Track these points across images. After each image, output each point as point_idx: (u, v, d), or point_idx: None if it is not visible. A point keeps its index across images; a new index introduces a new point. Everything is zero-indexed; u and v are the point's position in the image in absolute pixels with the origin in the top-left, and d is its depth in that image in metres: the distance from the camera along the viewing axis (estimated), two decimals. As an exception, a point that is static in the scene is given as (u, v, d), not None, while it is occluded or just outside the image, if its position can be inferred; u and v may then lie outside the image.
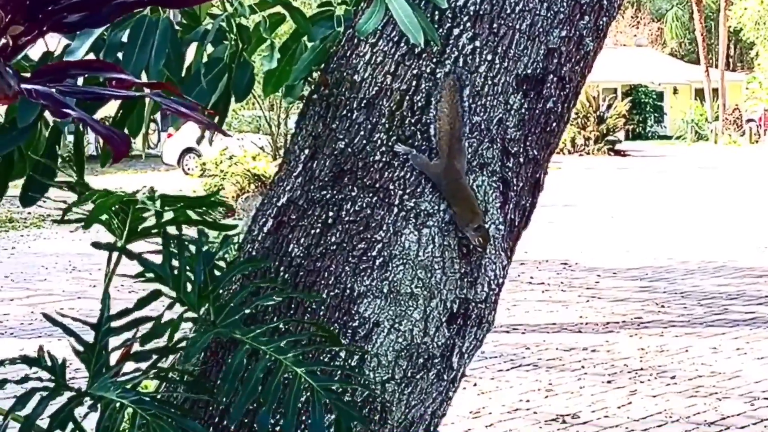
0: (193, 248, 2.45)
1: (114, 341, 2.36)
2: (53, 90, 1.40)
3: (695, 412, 6.16)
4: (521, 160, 2.53)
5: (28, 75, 1.44)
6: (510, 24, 2.43)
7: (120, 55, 2.37)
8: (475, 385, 6.72)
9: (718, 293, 9.95)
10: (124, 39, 2.37)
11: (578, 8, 2.50)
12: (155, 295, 2.40)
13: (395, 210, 2.42)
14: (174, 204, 2.56)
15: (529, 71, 2.47)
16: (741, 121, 39.33)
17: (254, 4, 2.53)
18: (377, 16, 2.35)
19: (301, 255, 2.45)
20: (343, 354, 2.40)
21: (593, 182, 23.26)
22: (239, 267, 2.47)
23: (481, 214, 2.44)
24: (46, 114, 2.46)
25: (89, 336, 2.32)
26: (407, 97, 2.43)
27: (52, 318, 2.38)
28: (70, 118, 1.41)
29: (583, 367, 7.27)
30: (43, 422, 2.19)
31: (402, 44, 2.42)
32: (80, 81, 2.24)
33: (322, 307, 2.42)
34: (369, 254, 2.41)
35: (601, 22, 2.56)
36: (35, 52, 2.38)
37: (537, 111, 2.51)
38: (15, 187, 2.64)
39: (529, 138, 2.52)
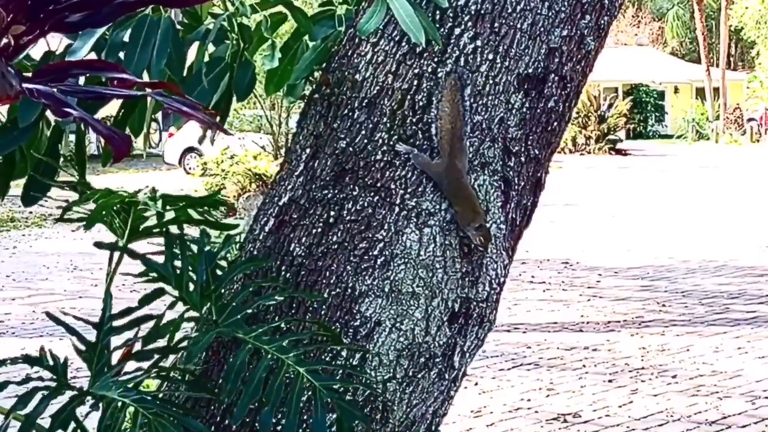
0: (195, 248, 2.45)
1: (116, 340, 2.36)
2: (55, 89, 1.41)
3: (696, 411, 6.16)
4: (522, 159, 2.53)
5: (29, 74, 1.44)
6: (511, 23, 2.43)
7: (121, 54, 2.37)
8: (476, 384, 6.72)
9: (719, 292, 9.95)
10: (126, 39, 2.37)
11: (579, 7, 2.50)
12: (158, 293, 2.41)
13: (396, 209, 2.42)
14: (175, 204, 2.56)
15: (530, 70, 2.47)
16: (742, 120, 39.32)
17: (255, 4, 2.53)
18: (378, 16, 2.35)
19: (303, 254, 2.45)
20: (344, 353, 2.40)
21: (594, 181, 23.25)
22: (241, 266, 2.47)
23: (483, 214, 2.44)
24: (48, 113, 2.47)
25: (91, 335, 2.33)
26: (408, 97, 2.43)
27: (54, 317, 2.38)
28: (71, 117, 1.41)
29: (584, 366, 7.27)
30: (45, 422, 2.20)
31: (403, 43, 2.42)
32: (82, 80, 2.24)
33: (324, 307, 2.42)
34: (370, 253, 2.41)
35: (602, 22, 2.56)
36: (37, 51, 2.38)
37: (538, 110, 2.51)
38: (17, 187, 2.65)
39: (531, 137, 2.52)
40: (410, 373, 2.44)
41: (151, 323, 2.36)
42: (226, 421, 2.41)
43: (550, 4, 2.46)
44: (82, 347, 2.31)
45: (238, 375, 2.27)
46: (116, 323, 2.35)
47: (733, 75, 44.38)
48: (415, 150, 2.42)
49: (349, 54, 2.49)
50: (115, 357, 2.37)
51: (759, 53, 39.14)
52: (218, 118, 2.52)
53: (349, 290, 2.42)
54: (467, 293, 2.46)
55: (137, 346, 2.39)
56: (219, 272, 2.45)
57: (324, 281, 2.43)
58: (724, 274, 10.99)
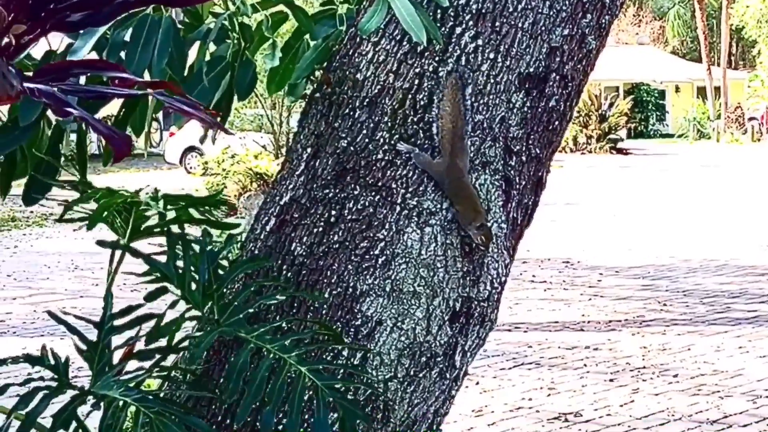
0: (197, 247, 2.45)
1: (117, 340, 2.36)
2: (56, 89, 1.41)
3: (697, 411, 6.16)
4: (523, 158, 2.53)
5: (30, 74, 1.44)
6: (512, 22, 2.43)
7: (122, 54, 2.37)
8: (477, 383, 6.72)
9: (720, 291, 9.94)
10: (127, 38, 2.37)
11: (580, 6, 2.50)
12: (161, 291, 2.41)
13: (398, 208, 2.42)
14: (177, 203, 2.56)
15: (531, 69, 2.47)
16: (743, 119, 39.29)
17: (257, 3, 2.54)
18: (380, 15, 2.35)
19: (304, 254, 2.45)
20: (345, 352, 2.40)
21: (595, 181, 23.25)
22: (242, 266, 2.47)
23: (484, 213, 2.44)
24: (49, 113, 2.47)
25: (92, 334, 2.33)
26: (410, 96, 2.43)
27: (56, 316, 2.38)
28: (72, 117, 1.41)
29: (585, 365, 7.27)
30: (46, 421, 2.20)
31: (404, 43, 2.42)
32: (83, 80, 2.24)
33: (325, 306, 2.42)
34: (371, 253, 2.41)
35: (603, 21, 2.56)
36: (38, 51, 2.38)
37: (539, 109, 2.51)
38: (18, 186, 2.65)
39: (532, 136, 2.52)
40: (411, 373, 2.44)
41: (152, 322, 2.36)
42: (228, 420, 2.41)
43: (552, 3, 2.45)
44: (84, 346, 2.31)
45: (240, 374, 2.27)
46: (117, 322, 2.35)
47: (734, 74, 44.36)
48: (417, 149, 2.42)
49: (351, 53, 2.49)
50: (117, 356, 2.37)
51: (760, 52, 39.13)
52: (219, 118, 2.52)
53: (351, 289, 2.41)
54: (468, 292, 2.46)
55: (138, 346, 2.40)
56: (221, 272, 2.45)
57: (325, 280, 2.43)
58: (725, 273, 10.98)
